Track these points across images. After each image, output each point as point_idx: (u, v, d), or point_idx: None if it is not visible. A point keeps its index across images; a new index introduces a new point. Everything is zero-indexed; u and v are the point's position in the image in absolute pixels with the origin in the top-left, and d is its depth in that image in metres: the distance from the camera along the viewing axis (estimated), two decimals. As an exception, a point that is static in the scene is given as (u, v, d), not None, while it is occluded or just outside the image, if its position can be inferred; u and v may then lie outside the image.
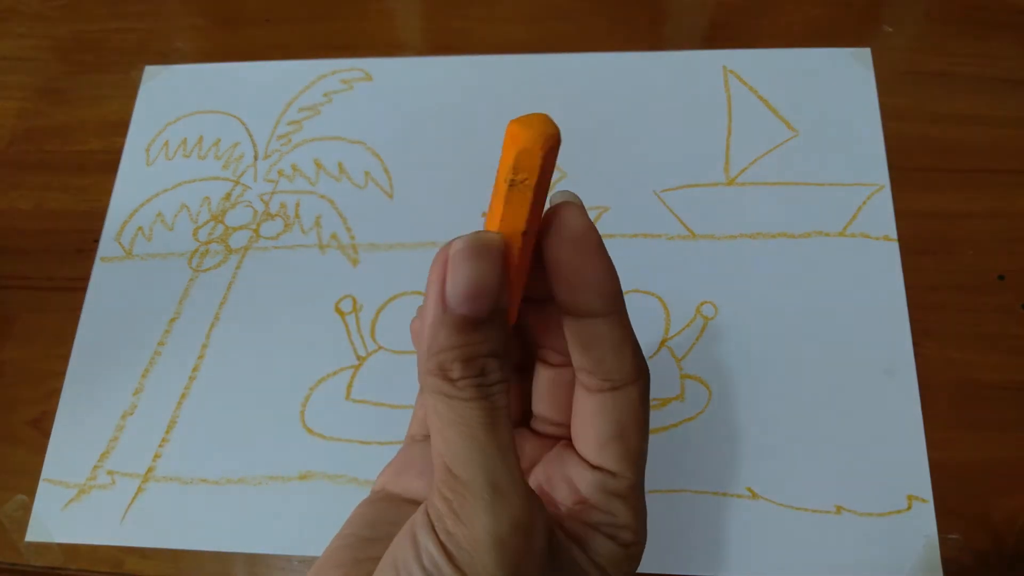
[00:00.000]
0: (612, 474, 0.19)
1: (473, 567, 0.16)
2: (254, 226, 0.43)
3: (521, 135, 0.16)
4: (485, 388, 0.17)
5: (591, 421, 0.19)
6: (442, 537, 0.16)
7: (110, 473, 0.38)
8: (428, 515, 0.17)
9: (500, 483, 0.16)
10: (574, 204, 0.18)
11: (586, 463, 0.19)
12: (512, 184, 0.16)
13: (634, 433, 0.19)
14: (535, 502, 0.17)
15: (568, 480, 0.20)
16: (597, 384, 0.19)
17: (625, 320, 0.18)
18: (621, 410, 0.19)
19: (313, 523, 0.36)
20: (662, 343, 0.38)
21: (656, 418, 0.37)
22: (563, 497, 0.20)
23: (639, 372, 0.19)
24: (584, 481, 0.19)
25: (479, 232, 0.17)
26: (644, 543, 0.20)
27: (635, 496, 0.19)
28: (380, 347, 0.40)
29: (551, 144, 0.16)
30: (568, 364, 0.20)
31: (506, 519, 0.16)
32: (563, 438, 0.21)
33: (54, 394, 0.40)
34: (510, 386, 0.18)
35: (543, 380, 0.21)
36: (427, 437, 0.22)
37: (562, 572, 0.18)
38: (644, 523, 0.20)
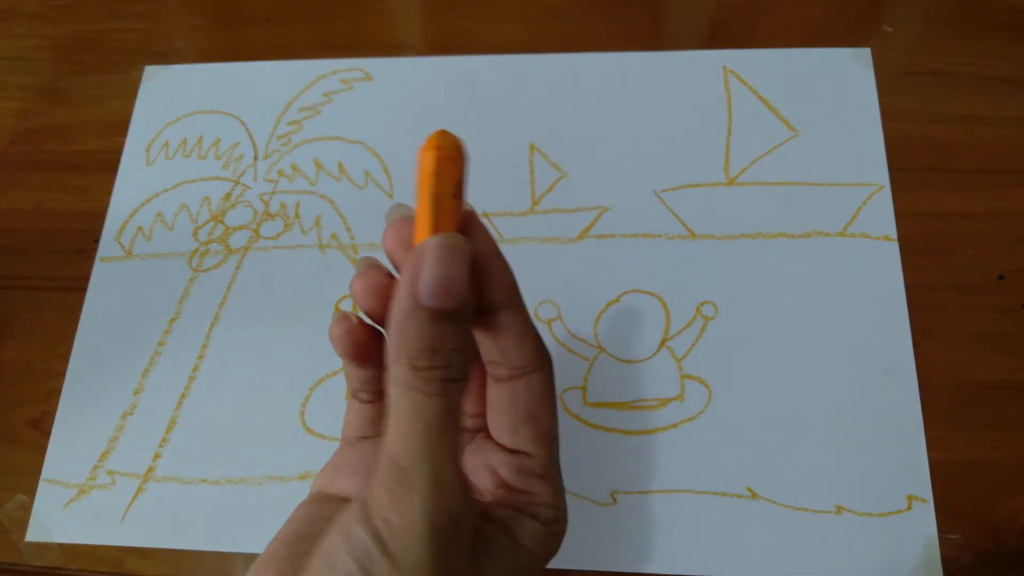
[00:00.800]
0: (528, 455, 0.21)
1: (404, 554, 0.17)
2: (254, 226, 0.43)
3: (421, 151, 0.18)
4: (448, 384, 0.18)
5: (503, 408, 0.21)
6: (378, 524, 0.17)
7: (110, 473, 0.38)
8: (365, 506, 0.18)
9: (445, 479, 0.17)
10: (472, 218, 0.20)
11: (503, 449, 0.21)
12: (418, 196, 0.19)
13: (544, 415, 0.21)
14: (469, 496, 0.18)
15: (489, 467, 0.21)
16: (506, 373, 0.21)
17: (525, 312, 0.20)
18: (530, 394, 0.21)
19: (313, 523, 0.36)
20: (662, 343, 0.38)
21: (656, 418, 0.37)
22: (486, 484, 0.21)
23: (542, 359, 0.21)
24: (503, 465, 0.21)
25: (450, 234, 0.18)
26: (565, 520, 0.22)
27: (551, 474, 0.21)
28: (380, 347, 0.40)
29: (436, 155, 0.18)
30: (480, 360, 0.22)
31: (444, 511, 0.17)
32: (481, 430, 0.23)
33: (54, 394, 0.40)
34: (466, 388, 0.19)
35: None
36: (359, 439, 0.23)
37: (493, 560, 0.19)
38: (563, 500, 0.22)
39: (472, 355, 0.22)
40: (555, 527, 0.21)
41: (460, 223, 0.19)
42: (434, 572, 0.17)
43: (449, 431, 0.18)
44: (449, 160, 0.18)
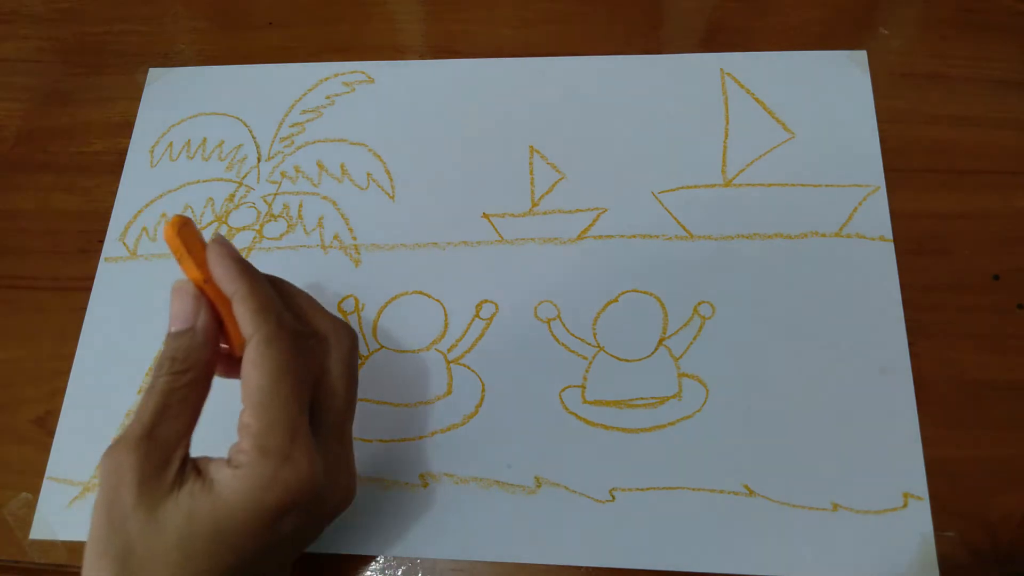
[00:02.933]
0: (243, 411, 0.27)
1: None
2: (257, 227, 0.44)
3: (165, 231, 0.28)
4: (169, 377, 0.28)
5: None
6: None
7: (114, 471, 0.38)
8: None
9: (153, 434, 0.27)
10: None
11: None
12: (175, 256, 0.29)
13: (252, 376, 0.27)
14: (157, 444, 0.27)
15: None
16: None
17: (245, 295, 0.28)
18: (244, 363, 0.28)
19: (315, 520, 0.37)
20: (660, 342, 0.39)
21: (654, 416, 0.37)
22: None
23: (254, 328, 0.27)
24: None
25: (177, 280, 0.28)
26: (260, 469, 0.26)
27: (249, 429, 0.27)
28: (381, 346, 0.40)
29: (171, 232, 0.28)
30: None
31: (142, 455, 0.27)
32: None
33: (58, 393, 0.40)
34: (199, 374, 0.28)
35: None
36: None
37: (182, 489, 0.26)
38: (267, 454, 0.26)
39: (208, 354, 0.29)
40: (246, 471, 0.26)
41: (203, 264, 0.28)
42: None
43: (169, 407, 0.27)
44: (179, 233, 0.28)
